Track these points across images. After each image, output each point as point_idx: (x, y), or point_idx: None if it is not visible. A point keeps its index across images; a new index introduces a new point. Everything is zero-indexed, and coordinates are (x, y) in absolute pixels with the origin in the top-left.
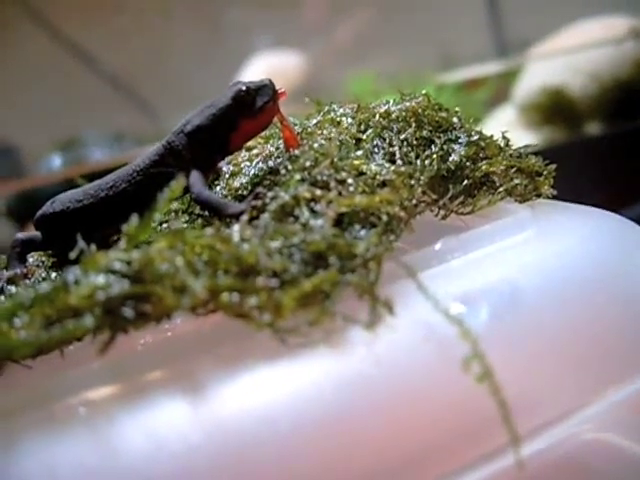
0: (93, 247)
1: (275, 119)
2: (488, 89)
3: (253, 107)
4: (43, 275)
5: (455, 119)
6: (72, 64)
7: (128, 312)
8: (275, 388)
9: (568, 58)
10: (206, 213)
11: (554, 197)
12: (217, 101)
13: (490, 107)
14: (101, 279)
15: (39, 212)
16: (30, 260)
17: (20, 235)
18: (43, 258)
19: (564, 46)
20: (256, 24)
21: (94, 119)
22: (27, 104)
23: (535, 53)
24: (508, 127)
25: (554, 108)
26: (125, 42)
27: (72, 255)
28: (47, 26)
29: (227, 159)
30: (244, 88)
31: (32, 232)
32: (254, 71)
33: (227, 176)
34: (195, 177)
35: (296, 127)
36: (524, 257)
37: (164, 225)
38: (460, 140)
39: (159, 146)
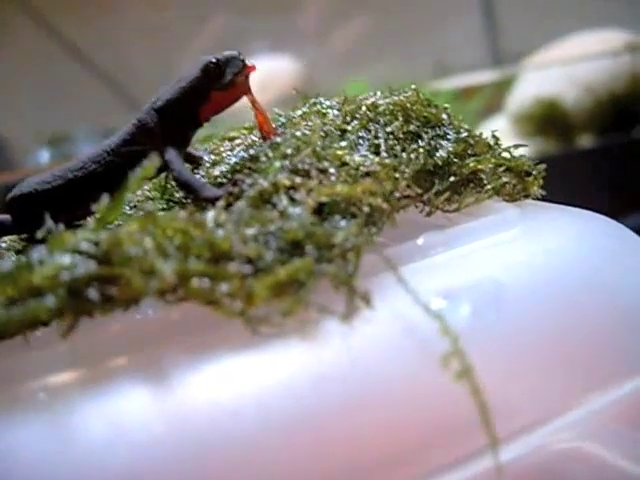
0: (61, 227)
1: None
2: (482, 99)
3: (223, 79)
4: (13, 259)
5: (444, 115)
6: (63, 59)
7: (93, 294)
8: (244, 379)
9: (563, 69)
10: (184, 201)
11: (543, 197)
12: (186, 75)
13: (483, 117)
14: (67, 259)
15: (9, 194)
16: (2, 245)
17: None
18: (15, 243)
19: (559, 57)
20: (252, 29)
21: (84, 115)
22: (17, 98)
23: (530, 63)
24: (500, 137)
25: (547, 119)
26: (118, 39)
27: (39, 235)
28: (39, 21)
29: (209, 149)
30: (213, 60)
31: (1, 215)
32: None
33: (208, 165)
34: (172, 155)
35: (281, 118)
36: (509, 255)
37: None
38: (448, 136)
39: (129, 125)
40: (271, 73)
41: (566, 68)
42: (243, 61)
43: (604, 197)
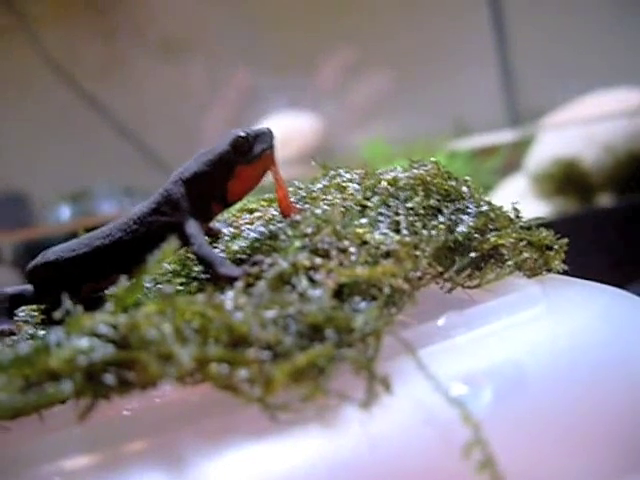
0: (79, 308)
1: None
2: (500, 158)
3: (251, 154)
4: (30, 332)
5: (465, 188)
6: (85, 116)
7: (110, 379)
8: (261, 468)
9: (581, 129)
10: (202, 276)
11: (565, 272)
12: (214, 147)
13: (502, 176)
14: (84, 342)
15: (31, 263)
16: (20, 314)
17: (8, 289)
18: (34, 313)
19: (577, 117)
20: (271, 86)
21: (105, 172)
22: (38, 154)
23: (548, 123)
24: (519, 197)
25: (566, 179)
26: (138, 97)
27: (57, 315)
28: (61, 78)
29: (227, 221)
30: (242, 134)
31: (21, 286)
32: None
33: (227, 238)
34: (194, 228)
35: (301, 191)
36: (532, 336)
37: (158, 286)
38: (469, 210)
39: (156, 194)
40: (290, 130)
41: (584, 128)
42: (272, 137)
43: (625, 256)
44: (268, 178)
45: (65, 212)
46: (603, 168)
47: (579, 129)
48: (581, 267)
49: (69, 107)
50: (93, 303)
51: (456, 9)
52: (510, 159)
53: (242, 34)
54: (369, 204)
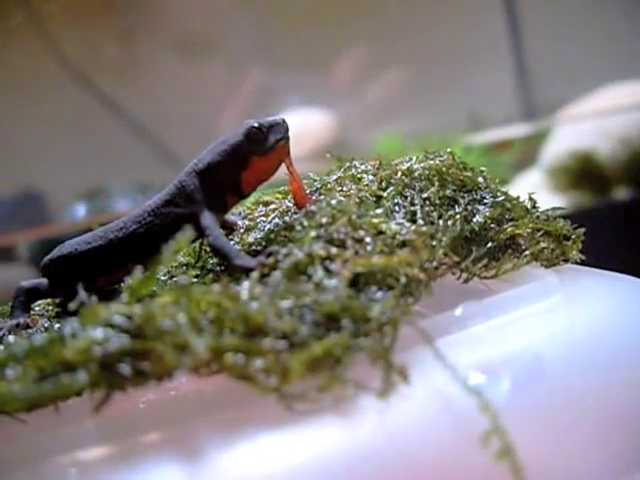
0: (94, 299)
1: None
2: (515, 152)
3: (265, 144)
4: (46, 325)
5: (480, 179)
6: (100, 114)
7: (125, 369)
8: (277, 458)
9: (597, 122)
10: (218, 268)
11: (582, 262)
12: (229, 138)
13: (517, 170)
14: (99, 333)
15: (46, 257)
16: (36, 309)
17: (24, 283)
18: (49, 307)
19: (593, 110)
20: (286, 82)
21: (120, 170)
22: (54, 152)
23: (563, 116)
24: (535, 190)
25: (582, 172)
26: (154, 95)
27: (72, 306)
28: (76, 76)
29: (242, 214)
30: (256, 125)
31: (37, 280)
32: None
33: (242, 231)
34: (209, 219)
35: (316, 183)
36: (549, 325)
37: (174, 279)
38: (485, 200)
39: (171, 186)
40: (305, 126)
41: (599, 121)
42: (286, 127)
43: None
44: (283, 170)
45: (81, 210)
46: (618, 161)
47: (594, 122)
48: (597, 260)
49: (85, 106)
50: (108, 295)
51: (471, 5)
52: (525, 153)
53: (258, 32)
54: (384, 194)
